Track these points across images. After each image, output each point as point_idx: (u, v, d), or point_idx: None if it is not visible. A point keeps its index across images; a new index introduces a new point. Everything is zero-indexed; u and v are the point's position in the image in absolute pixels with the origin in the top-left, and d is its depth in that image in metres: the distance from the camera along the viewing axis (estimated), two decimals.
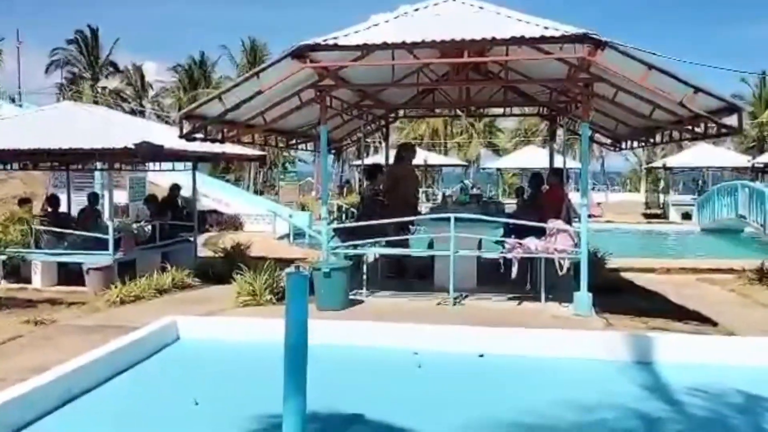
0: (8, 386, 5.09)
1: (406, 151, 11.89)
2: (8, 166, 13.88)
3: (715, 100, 7.46)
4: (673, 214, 29.87)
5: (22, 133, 11.11)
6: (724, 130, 8.17)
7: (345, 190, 36.68)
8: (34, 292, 10.53)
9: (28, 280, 11.29)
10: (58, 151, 10.68)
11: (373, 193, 10.61)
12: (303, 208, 26.90)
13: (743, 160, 31.07)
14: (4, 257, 9.98)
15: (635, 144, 13.18)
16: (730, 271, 12.53)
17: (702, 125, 8.47)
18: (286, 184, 32.87)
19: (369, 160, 31.22)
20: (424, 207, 18.71)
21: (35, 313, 8.53)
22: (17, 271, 11.32)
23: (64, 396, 5.24)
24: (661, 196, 33.09)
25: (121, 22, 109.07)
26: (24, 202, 13.05)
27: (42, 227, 11.42)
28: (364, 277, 9.05)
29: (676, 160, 32.47)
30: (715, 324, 7.90)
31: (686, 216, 28.93)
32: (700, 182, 33.28)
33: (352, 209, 15.78)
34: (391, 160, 13.62)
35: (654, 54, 7.03)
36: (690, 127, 9.00)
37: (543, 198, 10.39)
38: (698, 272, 12.80)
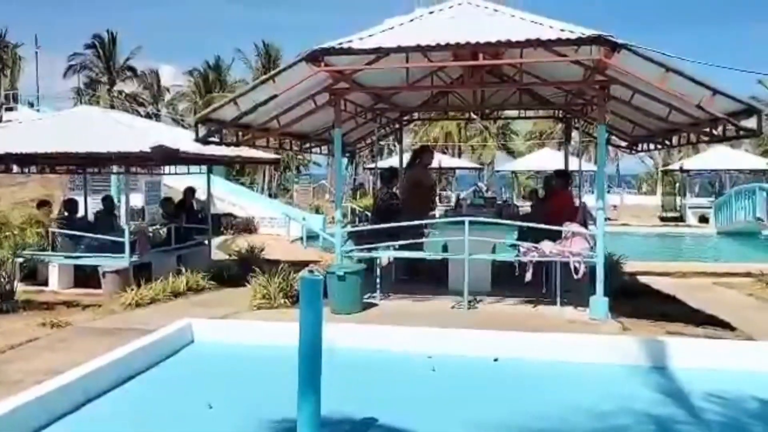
0: (25, 388, 5.13)
1: (423, 153, 11.89)
2: (26, 170, 14.02)
3: (733, 102, 7.38)
4: (690, 217, 29.63)
5: (40, 136, 11.21)
6: (742, 133, 8.08)
7: (358, 193, 36.70)
8: (51, 295, 10.62)
9: (45, 283, 11.38)
10: (75, 154, 10.77)
11: (388, 197, 10.60)
12: (317, 210, 26.96)
13: (761, 163, 30.76)
14: (21, 260, 10.07)
15: (651, 146, 13.07)
16: (748, 274, 12.40)
17: (720, 128, 8.39)
18: (300, 187, 32.97)
19: (383, 163, 31.27)
20: (438, 210, 18.66)
21: (52, 315, 8.59)
22: (34, 274, 11.42)
23: (80, 399, 5.26)
24: (678, 199, 32.80)
25: (138, 27, 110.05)
26: (42, 204, 13.18)
27: (58, 230, 11.53)
28: (378, 280, 9.04)
29: (692, 162, 32.20)
30: (732, 328, 7.82)
31: (703, 219, 28.68)
32: (716, 185, 32.96)
33: (366, 212, 15.78)
34: (405, 163, 13.63)
35: (670, 56, 6.97)
36: (708, 130, 8.91)
37: (550, 203, 10.34)
38: (715, 276, 12.67)
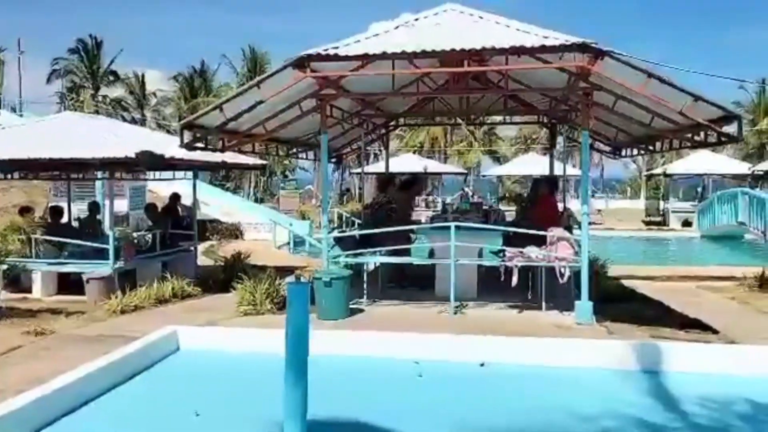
0: (8, 398, 5.08)
1: (416, 183, 12.04)
2: (9, 176, 13.88)
3: (715, 108, 7.48)
4: (673, 221, 29.86)
5: (23, 142, 11.11)
6: (723, 138, 8.18)
7: (345, 198, 36.70)
8: (35, 302, 10.50)
9: (29, 290, 11.25)
10: (58, 160, 10.68)
11: (385, 201, 10.61)
12: (303, 216, 26.89)
13: (743, 167, 31.12)
14: (4, 267, 9.96)
15: (635, 152, 13.20)
16: (731, 278, 12.50)
17: (702, 133, 8.49)
18: (287, 192, 32.89)
19: (369, 168, 31.36)
20: (424, 215, 18.73)
21: (35, 323, 8.50)
22: (17, 281, 11.29)
23: (64, 407, 5.22)
24: (661, 203, 33.09)
25: (122, 31, 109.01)
26: (25, 211, 13.04)
27: (42, 237, 11.42)
28: (365, 286, 9.04)
29: (676, 167, 32.52)
30: (716, 332, 7.89)
31: (686, 223, 28.93)
32: (699, 190, 33.29)
33: (353, 218, 15.82)
34: (392, 168, 13.70)
35: (653, 63, 7.07)
36: (689, 135, 9.02)
37: (536, 208, 10.39)
38: (699, 280, 12.76)
